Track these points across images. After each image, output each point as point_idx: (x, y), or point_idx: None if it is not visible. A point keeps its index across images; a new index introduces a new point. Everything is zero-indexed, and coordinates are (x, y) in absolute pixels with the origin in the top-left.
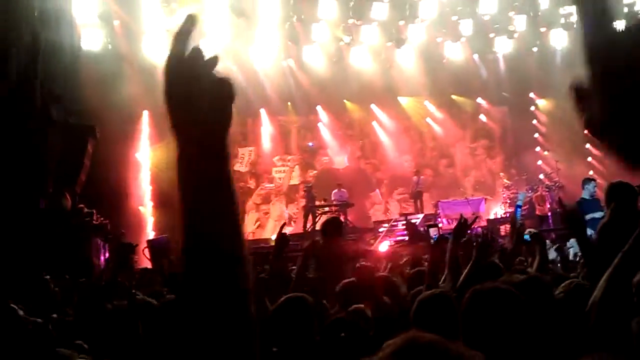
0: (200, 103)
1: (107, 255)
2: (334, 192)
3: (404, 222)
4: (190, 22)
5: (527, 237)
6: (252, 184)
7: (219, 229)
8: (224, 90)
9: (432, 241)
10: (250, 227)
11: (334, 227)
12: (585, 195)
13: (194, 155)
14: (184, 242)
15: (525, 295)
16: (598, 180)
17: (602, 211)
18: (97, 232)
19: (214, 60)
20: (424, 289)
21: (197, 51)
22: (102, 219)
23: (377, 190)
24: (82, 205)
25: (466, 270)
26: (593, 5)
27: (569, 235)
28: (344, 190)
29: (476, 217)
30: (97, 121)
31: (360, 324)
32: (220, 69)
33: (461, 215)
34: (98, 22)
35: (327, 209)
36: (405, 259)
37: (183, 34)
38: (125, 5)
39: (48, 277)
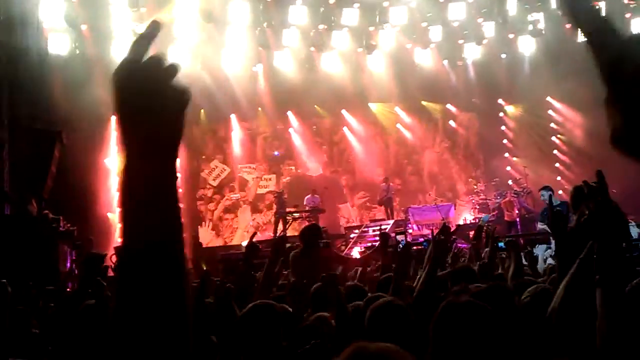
0: (151, 112)
1: (74, 261)
2: (307, 197)
3: (378, 230)
4: (153, 28)
5: (501, 244)
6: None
7: (159, 246)
8: (178, 101)
9: (398, 248)
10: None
11: (312, 233)
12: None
13: (141, 165)
14: (122, 257)
15: (488, 302)
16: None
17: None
18: (64, 238)
19: (173, 69)
20: (389, 295)
21: (155, 58)
22: (69, 225)
23: (348, 204)
24: (47, 212)
25: (425, 272)
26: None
27: (537, 241)
28: (317, 196)
29: (444, 224)
30: (65, 126)
31: (323, 331)
32: (181, 77)
33: (444, 224)
34: (65, 26)
35: (297, 215)
36: (377, 264)
37: (144, 39)
38: (92, 9)
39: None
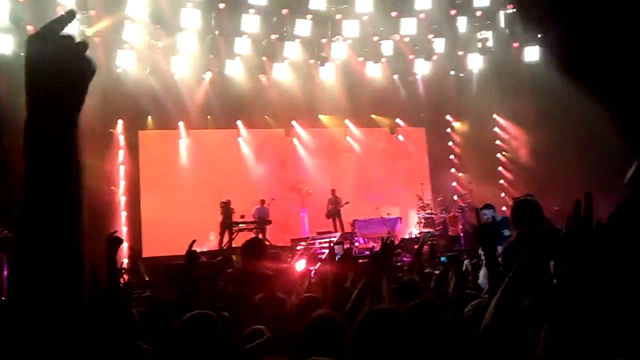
0: (58, 76)
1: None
2: (255, 207)
3: (326, 242)
4: (67, 15)
5: (443, 259)
6: None
7: (56, 214)
8: (83, 72)
9: (336, 258)
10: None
11: (254, 247)
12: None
13: (41, 124)
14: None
15: (419, 317)
16: (509, 203)
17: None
18: (1, 246)
19: (83, 45)
20: (325, 307)
21: (69, 34)
22: (5, 232)
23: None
24: None
25: (358, 289)
26: None
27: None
28: (267, 207)
29: (385, 239)
30: (6, 129)
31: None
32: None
33: (382, 238)
34: (10, 26)
35: (244, 225)
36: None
37: (60, 21)
38: (38, 10)
39: None
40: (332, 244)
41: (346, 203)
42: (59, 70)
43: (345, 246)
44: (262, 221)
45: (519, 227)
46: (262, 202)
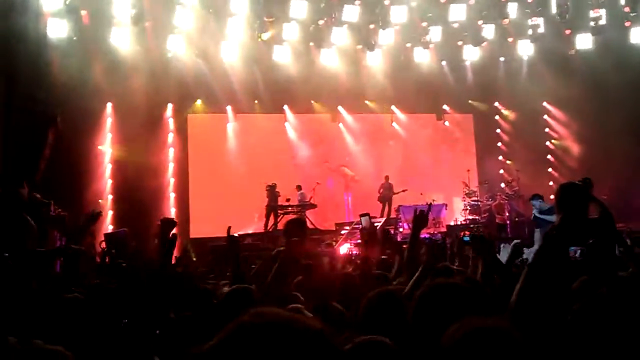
0: None
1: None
2: (299, 192)
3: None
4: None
5: (466, 238)
6: None
7: None
8: None
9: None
10: None
11: (296, 227)
12: (535, 212)
13: None
14: None
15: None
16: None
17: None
18: (55, 224)
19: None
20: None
21: None
22: (60, 210)
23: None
24: (37, 195)
25: (417, 274)
26: None
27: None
28: (304, 192)
29: (430, 206)
30: (61, 110)
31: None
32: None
33: (415, 209)
34: (65, 11)
35: (290, 209)
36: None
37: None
38: None
39: None
40: (362, 229)
41: (403, 190)
42: None
43: (383, 229)
44: (306, 204)
45: (561, 213)
46: (299, 187)
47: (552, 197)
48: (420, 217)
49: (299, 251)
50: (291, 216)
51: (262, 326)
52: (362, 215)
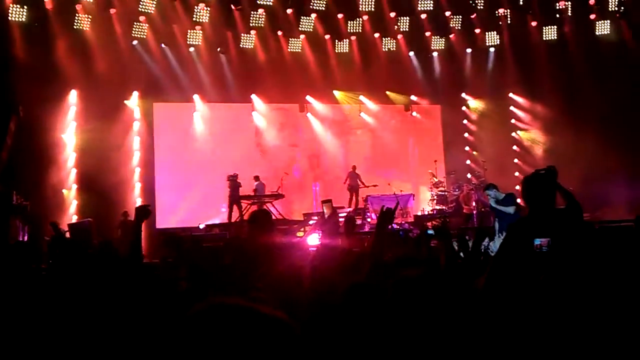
0: None
1: (26, 237)
2: (256, 183)
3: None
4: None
5: (430, 232)
6: None
7: None
8: None
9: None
10: None
11: (259, 219)
12: (492, 202)
13: None
14: None
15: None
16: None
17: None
18: (17, 213)
19: None
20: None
21: None
22: (22, 199)
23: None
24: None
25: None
26: None
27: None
28: (261, 182)
29: (397, 204)
30: (23, 98)
31: None
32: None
33: (382, 206)
34: None
35: (255, 200)
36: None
37: None
38: None
39: None
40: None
41: (374, 186)
42: None
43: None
44: (274, 195)
45: (528, 206)
46: (256, 177)
47: (517, 187)
48: (387, 214)
49: (263, 241)
50: (256, 207)
51: (220, 313)
52: (324, 202)
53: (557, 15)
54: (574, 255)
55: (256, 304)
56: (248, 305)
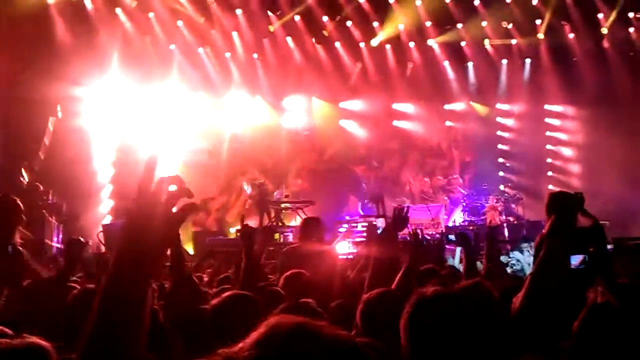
0: (148, 240)
1: (60, 236)
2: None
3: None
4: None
5: (451, 237)
6: None
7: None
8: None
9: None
10: None
11: (313, 227)
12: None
13: (125, 282)
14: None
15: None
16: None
17: None
18: (52, 212)
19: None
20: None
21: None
22: (57, 199)
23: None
24: (37, 184)
25: (400, 275)
26: None
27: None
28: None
29: (408, 207)
30: (62, 100)
31: None
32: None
33: (395, 208)
34: None
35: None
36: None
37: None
38: None
39: None
40: (370, 224)
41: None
42: (150, 235)
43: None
44: (304, 201)
45: (550, 218)
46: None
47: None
48: (400, 218)
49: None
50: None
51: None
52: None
53: (596, 27)
54: (611, 273)
55: (321, 325)
56: (313, 326)
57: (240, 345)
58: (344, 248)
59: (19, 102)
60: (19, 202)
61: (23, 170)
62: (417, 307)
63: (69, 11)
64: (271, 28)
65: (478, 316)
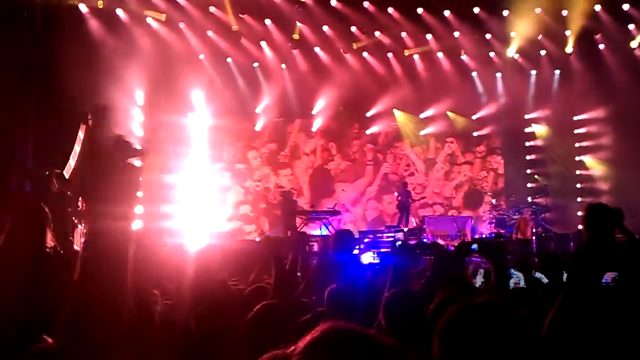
0: None
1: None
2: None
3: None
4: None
5: (474, 247)
6: None
7: None
8: None
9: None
10: None
11: (347, 240)
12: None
13: None
14: None
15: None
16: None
17: None
18: (81, 218)
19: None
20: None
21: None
22: (85, 204)
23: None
24: (68, 191)
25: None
26: None
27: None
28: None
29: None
30: (95, 107)
31: None
32: None
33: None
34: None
35: (314, 216)
36: None
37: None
38: None
39: None
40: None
41: (422, 198)
42: None
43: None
44: (332, 211)
45: (588, 233)
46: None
47: (579, 213)
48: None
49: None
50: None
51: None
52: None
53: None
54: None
55: (371, 333)
56: (364, 334)
57: (293, 347)
58: (368, 258)
59: (50, 108)
60: (46, 208)
61: (53, 178)
62: (460, 317)
63: (103, 18)
64: None
65: (519, 332)
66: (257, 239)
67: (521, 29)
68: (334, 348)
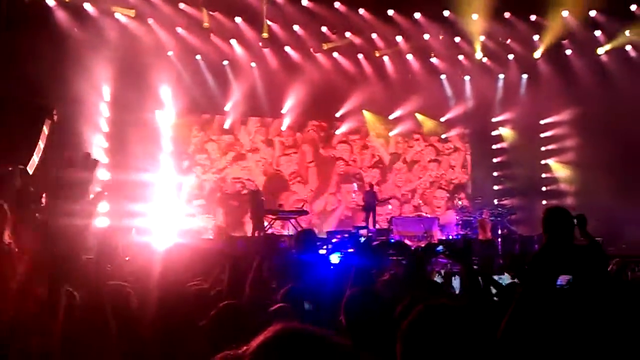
0: None
1: None
2: None
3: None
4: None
5: (439, 249)
6: None
7: None
8: None
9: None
10: None
11: (309, 239)
12: None
13: None
14: None
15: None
16: None
17: None
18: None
19: None
20: None
21: None
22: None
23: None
24: (32, 189)
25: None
26: None
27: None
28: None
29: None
30: (58, 101)
31: None
32: None
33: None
34: None
35: (282, 216)
36: None
37: None
38: None
39: None
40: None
41: (389, 199)
42: None
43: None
44: (299, 211)
45: (547, 236)
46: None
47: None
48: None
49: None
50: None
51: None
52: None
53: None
54: (597, 295)
55: (325, 333)
56: (316, 334)
57: (245, 347)
58: (335, 258)
59: (12, 103)
60: (5, 206)
61: (16, 174)
62: (422, 318)
63: (70, 10)
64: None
65: (480, 333)
66: (211, 234)
67: (491, 32)
68: (285, 348)
